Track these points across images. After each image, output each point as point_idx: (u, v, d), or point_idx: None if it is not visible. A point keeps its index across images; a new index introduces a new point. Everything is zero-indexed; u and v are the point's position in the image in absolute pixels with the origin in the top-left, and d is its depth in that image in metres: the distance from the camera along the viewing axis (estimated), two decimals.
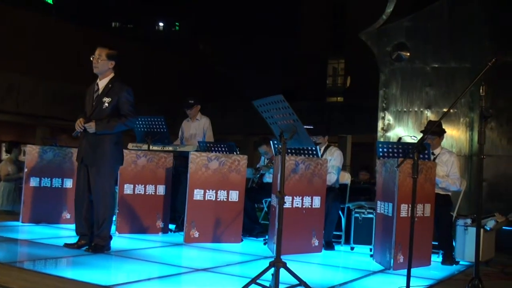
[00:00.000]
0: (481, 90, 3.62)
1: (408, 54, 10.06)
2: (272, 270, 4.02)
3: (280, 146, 4.30)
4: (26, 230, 6.77)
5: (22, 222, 7.11)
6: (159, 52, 31.10)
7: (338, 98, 31.69)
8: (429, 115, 9.78)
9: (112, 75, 5.63)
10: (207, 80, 30.35)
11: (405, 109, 10.07)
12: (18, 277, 4.17)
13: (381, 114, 10.24)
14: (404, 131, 9.95)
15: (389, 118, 10.17)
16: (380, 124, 10.27)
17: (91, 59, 5.59)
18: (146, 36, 34.60)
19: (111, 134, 5.48)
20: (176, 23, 40.51)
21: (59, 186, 7.34)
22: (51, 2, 33.32)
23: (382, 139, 10.05)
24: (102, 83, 5.61)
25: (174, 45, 33.56)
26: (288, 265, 4.13)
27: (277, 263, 3.92)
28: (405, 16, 10.28)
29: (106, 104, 5.49)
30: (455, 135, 9.54)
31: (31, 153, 7.29)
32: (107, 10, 34.70)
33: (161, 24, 40.57)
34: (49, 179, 7.31)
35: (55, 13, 29.19)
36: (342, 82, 32.14)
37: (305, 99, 26.24)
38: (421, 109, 9.92)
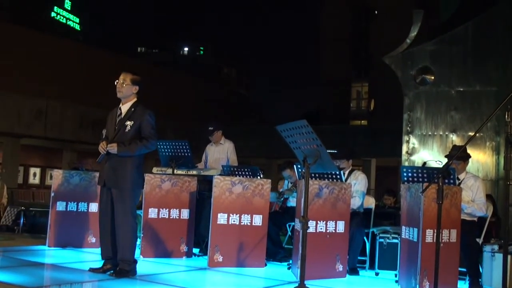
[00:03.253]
0: (506, 116, 3.60)
1: (433, 77, 10.04)
2: None
3: (303, 170, 4.31)
4: (52, 254, 6.83)
5: (48, 246, 7.17)
6: (184, 76, 31.45)
7: (362, 121, 31.61)
8: (454, 139, 9.71)
9: (135, 99, 5.71)
10: (231, 104, 30.57)
11: (429, 133, 10.03)
12: None
13: (405, 138, 10.20)
14: (429, 155, 9.88)
15: (413, 141, 10.13)
16: (404, 148, 10.22)
17: (115, 83, 5.68)
18: (171, 61, 35.04)
19: (133, 157, 5.53)
20: (201, 48, 41.02)
21: (85, 210, 7.40)
22: (79, 29, 34.06)
23: (406, 163, 9.99)
24: (125, 107, 5.69)
25: (198, 69, 33.95)
26: None
27: None
28: (430, 40, 10.29)
29: (129, 128, 5.57)
30: (481, 159, 9.45)
31: (57, 177, 7.39)
32: (133, 35, 35.33)
33: (186, 48, 41.11)
34: (75, 203, 7.37)
35: (83, 39, 29.80)
36: (366, 105, 32.07)
37: (329, 122, 26.25)
38: (446, 133, 9.85)
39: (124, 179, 5.49)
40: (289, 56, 30.51)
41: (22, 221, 10.37)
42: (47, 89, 21.55)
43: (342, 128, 24.97)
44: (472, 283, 5.60)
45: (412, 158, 10.14)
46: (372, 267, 6.57)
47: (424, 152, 10.02)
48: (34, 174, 24.64)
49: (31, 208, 10.47)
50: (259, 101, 29.53)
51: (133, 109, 5.63)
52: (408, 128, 10.24)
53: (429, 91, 10.11)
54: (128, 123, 5.58)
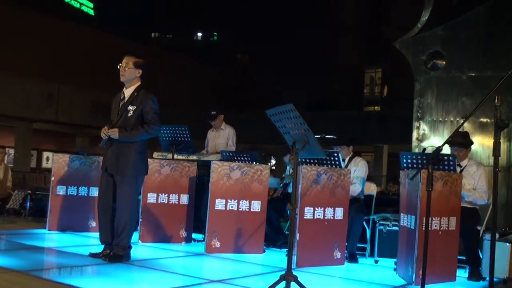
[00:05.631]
0: (496, 100, 3.47)
1: (444, 62, 9.83)
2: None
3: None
4: (51, 238, 6.83)
5: (49, 230, 7.18)
6: (197, 61, 31.37)
7: (375, 107, 31.30)
8: (465, 125, 9.51)
9: (138, 83, 5.61)
10: (244, 90, 30.45)
11: (440, 119, 9.82)
12: (31, 285, 4.18)
13: (416, 124, 10.00)
14: (440, 142, 9.69)
15: (424, 128, 9.93)
16: (414, 134, 10.03)
17: (118, 67, 5.59)
18: (185, 46, 34.99)
19: (135, 144, 5.44)
20: (215, 33, 40.88)
21: (85, 195, 7.39)
22: (93, 14, 34.09)
23: (416, 150, 9.82)
24: (128, 91, 5.60)
25: (212, 54, 33.88)
26: (299, 278, 4.04)
27: (287, 277, 3.82)
28: (441, 24, 10.07)
29: (131, 113, 5.47)
30: (491, 145, 9.24)
31: (58, 161, 7.37)
32: (147, 20, 35.30)
33: (199, 34, 41.02)
34: (76, 187, 7.36)
35: (97, 24, 29.80)
36: (380, 91, 31.72)
37: (342, 108, 26.04)
38: (457, 119, 9.64)
39: (127, 165, 5.42)
40: (303, 42, 30.22)
41: (28, 204, 10.42)
42: (58, 74, 21.61)
43: (354, 114, 24.72)
44: (472, 271, 5.47)
45: (423, 144, 9.94)
46: (372, 254, 6.47)
47: (435, 139, 9.83)
48: (47, 158, 24.82)
49: (37, 192, 10.50)
50: (273, 87, 29.32)
51: (136, 93, 5.54)
52: (418, 114, 10.04)
53: (440, 76, 9.89)
54: (131, 107, 5.49)
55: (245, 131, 16.98)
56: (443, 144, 4.03)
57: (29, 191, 10.67)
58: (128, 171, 5.41)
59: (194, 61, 31.15)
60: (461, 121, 9.63)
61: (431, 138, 9.84)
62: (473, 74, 9.58)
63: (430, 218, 4.99)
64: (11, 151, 21.92)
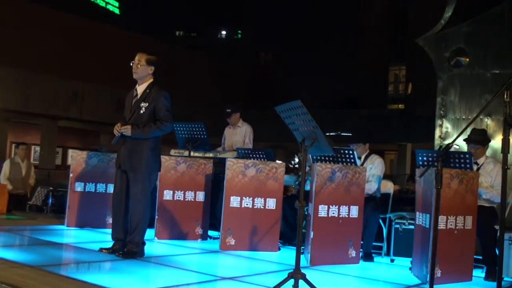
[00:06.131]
0: (505, 96, 3.38)
1: (467, 59, 9.66)
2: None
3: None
4: (69, 234, 6.90)
5: (67, 226, 7.26)
6: (221, 59, 31.43)
7: (399, 105, 30.98)
8: (489, 123, 9.35)
9: (151, 80, 5.64)
10: (267, 88, 30.37)
11: (463, 117, 9.66)
12: (43, 280, 4.22)
13: (438, 122, 9.87)
14: (463, 140, 9.54)
15: (447, 126, 9.79)
16: (437, 132, 9.90)
17: (131, 64, 5.62)
18: (209, 44, 35.08)
19: (148, 140, 5.47)
20: (239, 31, 40.90)
21: (103, 191, 7.45)
22: (118, 12, 34.36)
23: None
24: (140, 88, 5.63)
25: (236, 53, 33.90)
26: (312, 276, 4.01)
27: (295, 275, 3.79)
28: (464, 20, 9.90)
29: (143, 109, 5.50)
30: None
31: (76, 158, 7.45)
32: (171, 19, 35.49)
33: (223, 32, 41.10)
34: (94, 184, 7.43)
35: (121, 22, 30.03)
36: (404, 89, 31.39)
37: (366, 106, 25.81)
38: (481, 117, 9.47)
39: (139, 162, 5.45)
40: (327, 39, 30.06)
41: (50, 201, 10.57)
42: (83, 73, 21.82)
43: (378, 112, 24.49)
44: (489, 271, 5.36)
45: (446, 142, 9.81)
46: (388, 253, 6.39)
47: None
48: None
49: (59, 189, 10.64)
50: (296, 85, 29.22)
51: (148, 90, 5.57)
52: (441, 112, 9.90)
53: (463, 73, 9.73)
54: (143, 104, 5.52)
55: (269, 129, 16.90)
56: (453, 141, 3.95)
57: (51, 188, 10.83)
58: (141, 168, 5.44)
59: (218, 59, 31.20)
60: (485, 119, 9.48)
61: (454, 136, 9.67)
62: (497, 71, 9.41)
63: (445, 217, 4.93)
64: (37, 148, 22.27)
